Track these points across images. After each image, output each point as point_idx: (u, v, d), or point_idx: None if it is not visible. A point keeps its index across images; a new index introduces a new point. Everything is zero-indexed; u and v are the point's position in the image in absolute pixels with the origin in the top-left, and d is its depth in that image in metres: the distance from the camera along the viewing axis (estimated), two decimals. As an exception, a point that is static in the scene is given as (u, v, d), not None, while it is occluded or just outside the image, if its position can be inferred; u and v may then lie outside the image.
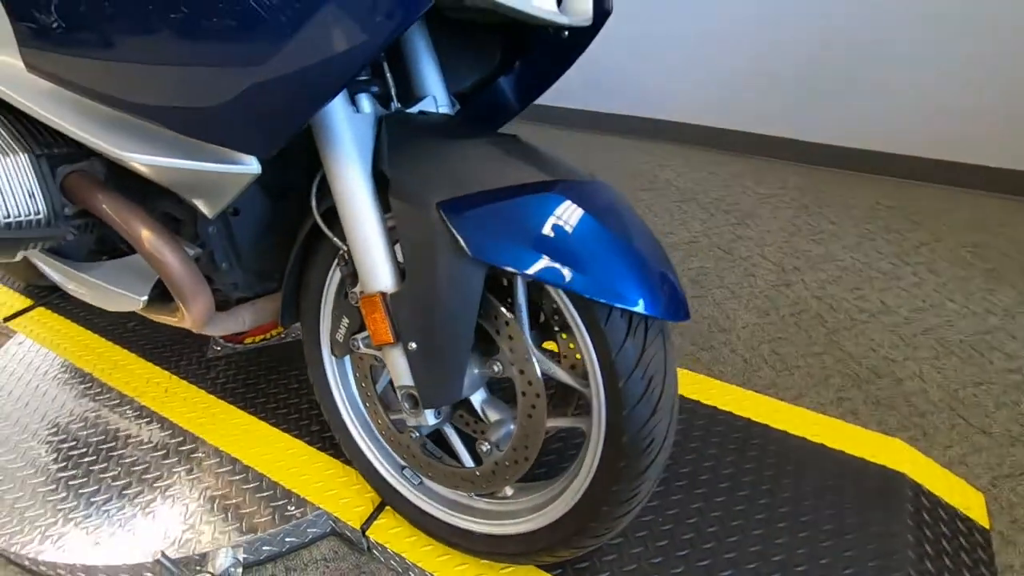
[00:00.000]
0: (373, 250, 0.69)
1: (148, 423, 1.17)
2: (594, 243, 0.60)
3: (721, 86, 2.46)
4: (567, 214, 0.61)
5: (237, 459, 1.08)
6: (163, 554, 0.89)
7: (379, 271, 0.70)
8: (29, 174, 0.77)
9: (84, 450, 1.11)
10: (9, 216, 0.75)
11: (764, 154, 2.49)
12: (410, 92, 0.81)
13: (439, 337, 0.66)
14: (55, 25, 0.61)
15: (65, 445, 1.13)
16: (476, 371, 0.76)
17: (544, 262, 0.59)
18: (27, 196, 0.77)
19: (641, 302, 0.59)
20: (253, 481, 1.04)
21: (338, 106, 0.67)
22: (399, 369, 0.73)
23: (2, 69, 0.73)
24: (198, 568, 0.92)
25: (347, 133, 0.68)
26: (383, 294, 0.70)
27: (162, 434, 1.15)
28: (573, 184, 0.64)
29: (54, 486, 1.05)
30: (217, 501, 1.00)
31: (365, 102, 0.72)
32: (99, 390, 1.27)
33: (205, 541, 0.93)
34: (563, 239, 0.59)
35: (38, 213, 0.78)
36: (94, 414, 1.20)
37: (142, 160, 0.65)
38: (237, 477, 1.04)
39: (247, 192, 0.76)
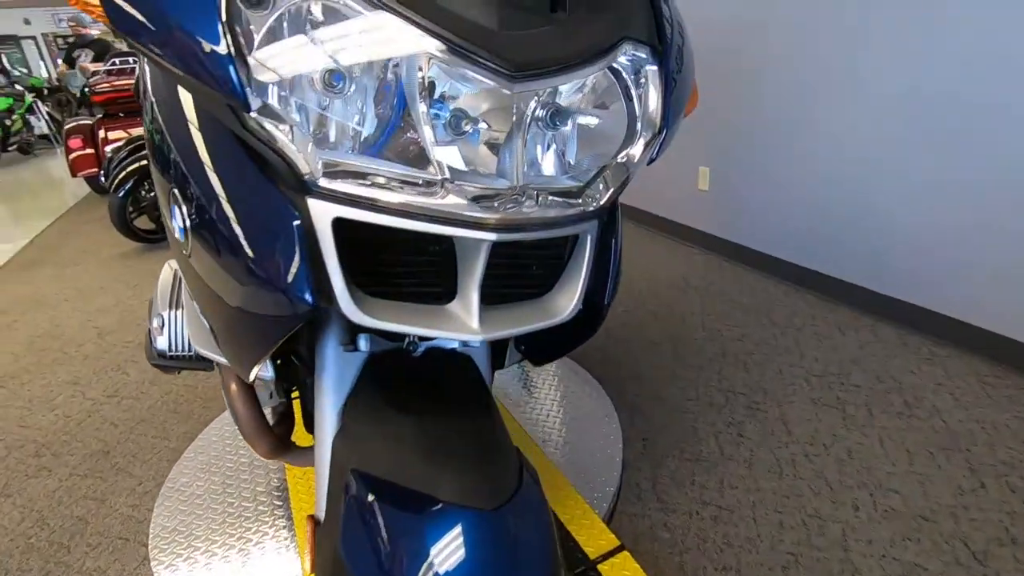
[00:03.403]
0: (320, 478, 0.65)
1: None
2: None
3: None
4: (446, 552, 0.51)
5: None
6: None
7: (319, 497, 0.65)
8: None
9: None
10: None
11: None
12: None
13: None
14: None
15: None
16: None
17: None
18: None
19: None
20: None
21: (329, 341, 0.65)
22: None
23: None
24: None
25: (330, 368, 0.65)
26: (315, 521, 0.65)
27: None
28: (481, 517, 0.52)
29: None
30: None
31: (363, 341, 0.67)
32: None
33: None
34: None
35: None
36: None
37: None
38: None
39: None
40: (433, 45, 0.42)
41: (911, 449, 1.39)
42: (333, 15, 0.42)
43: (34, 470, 1.51)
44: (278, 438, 0.89)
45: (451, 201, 0.45)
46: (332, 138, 0.45)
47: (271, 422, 0.89)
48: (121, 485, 1.42)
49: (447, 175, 0.46)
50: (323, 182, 0.44)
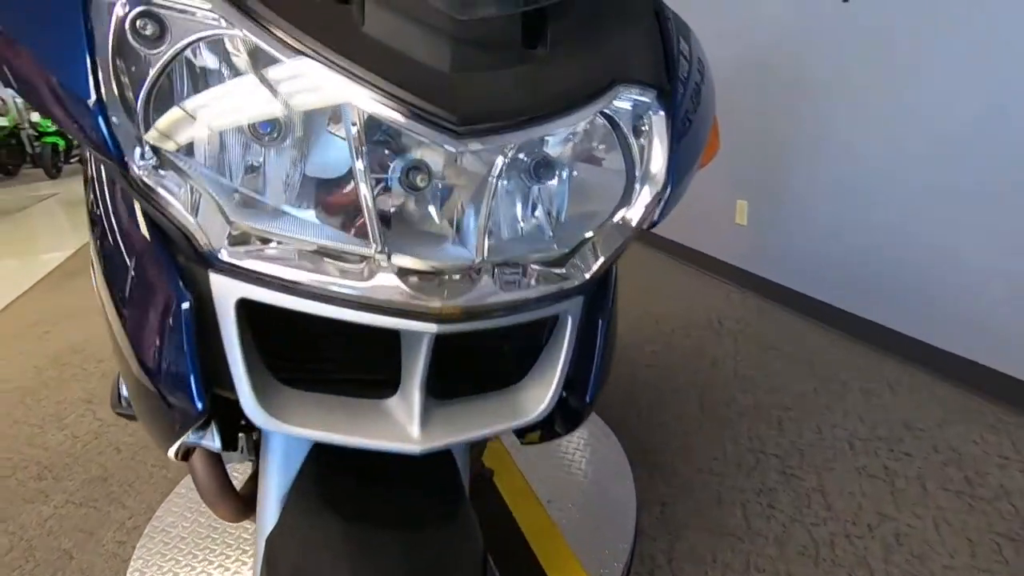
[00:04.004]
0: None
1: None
2: None
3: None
4: None
5: None
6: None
7: None
8: None
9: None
10: None
11: None
12: None
13: None
14: None
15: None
16: None
17: None
18: None
19: None
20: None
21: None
22: None
23: None
24: None
25: (274, 447, 0.57)
26: None
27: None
28: None
29: None
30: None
31: None
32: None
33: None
34: None
35: None
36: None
37: None
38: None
39: None
40: (361, 94, 0.33)
41: (972, 537, 1.21)
42: (240, 57, 0.34)
43: (32, 494, 1.49)
44: (243, 500, 0.81)
45: (382, 282, 0.36)
46: (236, 200, 0.37)
47: (238, 483, 0.81)
48: (113, 517, 1.38)
49: (385, 247, 0.37)
50: (225, 255, 0.36)
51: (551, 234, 0.45)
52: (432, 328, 0.37)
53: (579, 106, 0.40)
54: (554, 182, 0.44)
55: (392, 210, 0.39)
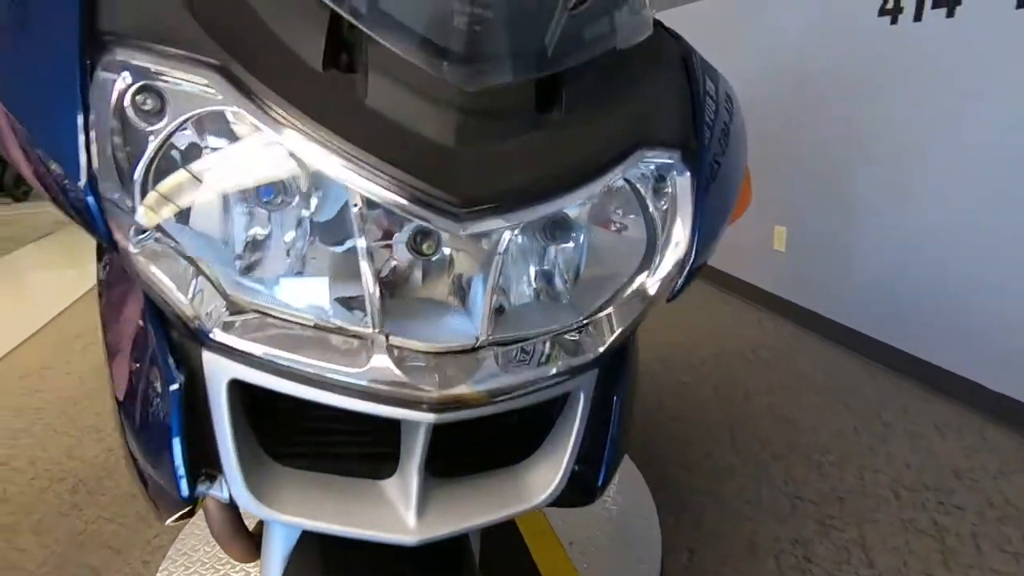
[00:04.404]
0: None
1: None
2: None
3: None
4: None
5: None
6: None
7: None
8: None
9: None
10: None
11: None
12: None
13: None
14: None
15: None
16: None
17: None
18: None
19: None
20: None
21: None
22: None
23: None
24: None
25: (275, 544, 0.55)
26: None
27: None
28: None
29: None
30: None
31: None
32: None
33: None
34: None
35: None
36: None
37: None
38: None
39: None
40: (356, 174, 0.32)
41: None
42: (235, 133, 0.34)
43: (68, 507, 1.54)
44: (255, 540, 0.80)
45: (377, 366, 0.35)
46: (233, 272, 0.36)
47: (251, 522, 0.81)
48: (140, 535, 1.41)
49: (384, 328, 0.35)
50: (218, 334, 0.35)
51: (567, 299, 0.42)
52: (429, 418, 0.35)
53: (594, 177, 0.38)
54: (570, 244, 0.42)
55: (393, 278, 0.37)
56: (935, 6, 1.71)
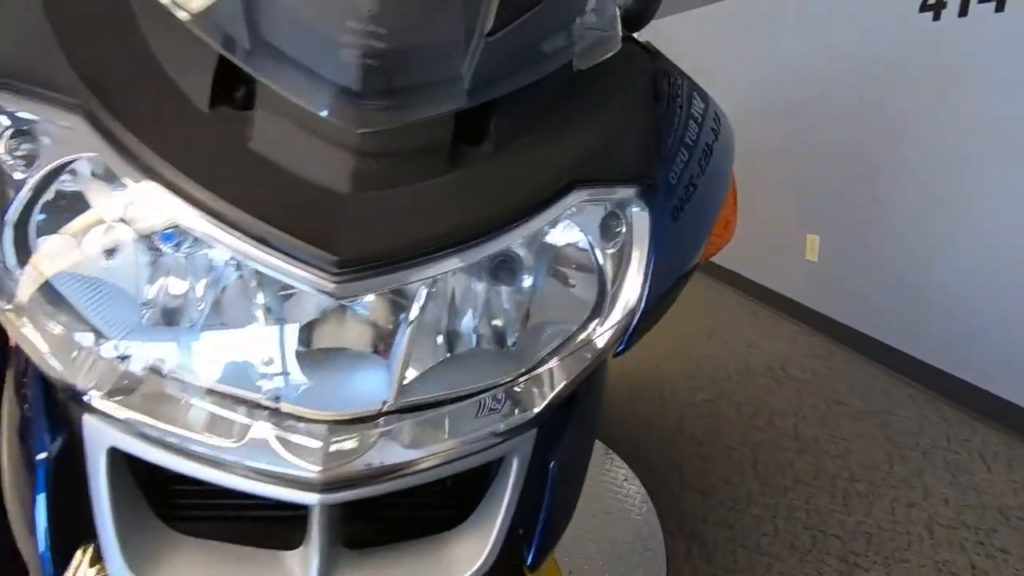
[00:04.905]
0: None
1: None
2: None
3: None
4: None
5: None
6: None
7: None
8: None
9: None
10: None
11: None
12: None
13: None
14: None
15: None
16: None
17: None
18: None
19: None
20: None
21: None
22: None
23: None
24: None
25: None
26: None
27: None
28: None
29: None
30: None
31: None
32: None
33: None
34: None
35: None
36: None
37: None
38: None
39: None
40: (216, 230, 0.29)
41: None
42: (107, 182, 0.31)
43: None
44: None
45: (257, 437, 0.31)
46: (111, 338, 0.33)
47: None
48: None
49: (274, 391, 0.32)
50: (95, 398, 0.32)
51: (511, 345, 0.38)
52: (312, 499, 0.31)
53: (517, 221, 0.33)
54: (517, 285, 0.38)
55: (304, 330, 0.33)
56: (982, 0, 1.57)
